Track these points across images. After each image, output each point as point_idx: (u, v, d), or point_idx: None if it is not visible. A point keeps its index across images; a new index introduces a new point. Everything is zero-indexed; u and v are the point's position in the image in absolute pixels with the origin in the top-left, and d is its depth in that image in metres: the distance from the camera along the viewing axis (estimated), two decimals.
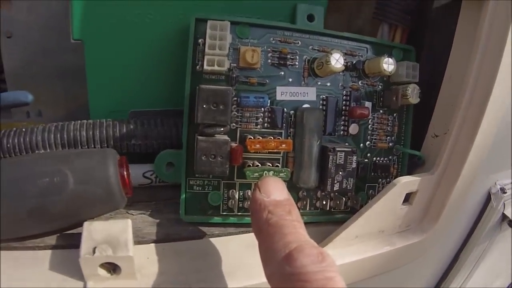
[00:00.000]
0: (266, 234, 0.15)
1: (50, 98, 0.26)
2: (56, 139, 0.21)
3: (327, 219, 0.21)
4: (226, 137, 0.19)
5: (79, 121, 0.21)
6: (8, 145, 0.21)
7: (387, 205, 0.20)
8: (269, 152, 0.20)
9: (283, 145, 0.19)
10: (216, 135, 0.19)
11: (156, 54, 0.22)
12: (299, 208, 0.20)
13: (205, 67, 0.19)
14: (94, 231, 0.18)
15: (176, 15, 0.21)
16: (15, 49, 0.26)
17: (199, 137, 0.18)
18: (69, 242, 0.19)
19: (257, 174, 0.18)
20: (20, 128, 0.21)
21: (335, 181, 0.19)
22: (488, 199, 0.23)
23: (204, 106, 0.18)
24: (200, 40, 0.20)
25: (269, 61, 0.20)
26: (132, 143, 0.21)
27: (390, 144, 0.22)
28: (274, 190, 0.16)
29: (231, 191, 0.20)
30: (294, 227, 0.15)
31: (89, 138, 0.21)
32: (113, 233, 0.18)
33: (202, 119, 0.18)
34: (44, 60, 0.26)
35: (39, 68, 0.26)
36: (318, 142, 0.19)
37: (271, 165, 0.20)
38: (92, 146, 0.21)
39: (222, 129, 0.19)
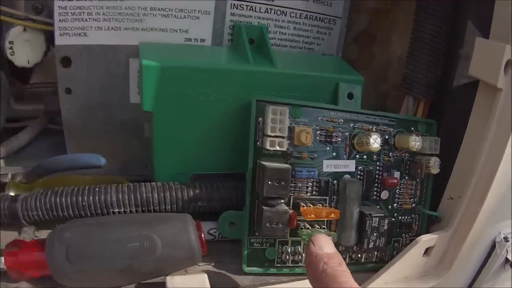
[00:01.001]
0: (323, 282, 0.21)
1: (108, 151, 0.31)
2: (130, 199, 0.27)
3: (361, 269, 0.28)
4: (285, 207, 0.25)
5: (149, 183, 0.27)
6: (84, 203, 0.27)
7: (411, 258, 0.27)
8: None
9: (332, 215, 0.26)
10: (277, 206, 0.25)
11: (217, 125, 0.28)
12: None
13: (268, 147, 0.25)
14: (177, 285, 0.24)
15: (236, 94, 0.27)
16: (74, 104, 0.31)
17: (265, 208, 0.25)
18: None
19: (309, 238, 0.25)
20: (94, 187, 0.27)
21: (371, 240, 0.27)
22: (493, 246, 0.31)
23: (269, 182, 0.25)
24: (260, 119, 0.26)
25: (318, 138, 0.27)
26: (198, 205, 0.27)
27: (413, 205, 0.29)
28: (326, 245, 0.22)
29: (284, 247, 0.27)
30: (346, 277, 0.21)
31: (161, 200, 0.27)
32: (193, 286, 0.24)
33: (267, 193, 0.25)
34: (102, 116, 0.31)
35: (98, 123, 0.31)
36: (358, 209, 0.27)
37: (319, 227, 0.27)
38: (163, 207, 0.27)
39: (282, 201, 0.25)
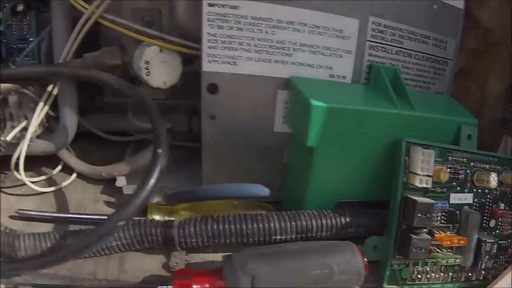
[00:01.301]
0: None
1: (246, 175, 0.34)
2: (292, 227, 0.31)
3: (470, 285, 0.35)
4: (428, 236, 0.31)
5: (306, 211, 0.31)
6: (248, 231, 0.30)
7: (510, 277, 0.35)
8: None
9: (462, 242, 0.32)
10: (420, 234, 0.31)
11: (365, 160, 0.32)
12: (454, 278, 0.35)
13: (417, 184, 0.31)
14: None
15: (385, 133, 0.32)
16: (216, 129, 0.34)
17: (413, 236, 0.30)
18: None
19: (445, 261, 0.32)
20: (256, 216, 0.31)
21: (483, 262, 0.34)
22: None
23: (419, 215, 0.30)
24: (406, 157, 0.31)
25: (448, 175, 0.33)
26: (348, 231, 0.32)
27: (510, 231, 0.37)
28: None
29: (415, 267, 0.33)
30: None
31: (318, 227, 0.31)
32: None
33: (417, 223, 0.30)
34: (244, 142, 0.34)
35: (239, 148, 0.34)
36: (476, 236, 0.33)
37: (445, 250, 0.33)
38: (320, 234, 0.31)
39: (425, 230, 0.31)
